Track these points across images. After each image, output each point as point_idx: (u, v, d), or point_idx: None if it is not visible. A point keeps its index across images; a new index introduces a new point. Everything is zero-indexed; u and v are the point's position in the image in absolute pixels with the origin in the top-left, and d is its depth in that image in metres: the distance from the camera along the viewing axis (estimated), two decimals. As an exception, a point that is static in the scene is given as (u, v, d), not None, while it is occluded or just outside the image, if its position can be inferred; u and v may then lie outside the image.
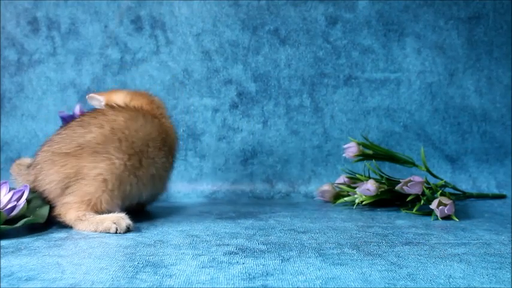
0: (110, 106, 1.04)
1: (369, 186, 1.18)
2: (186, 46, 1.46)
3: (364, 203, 1.19)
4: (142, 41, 1.46)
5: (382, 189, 1.19)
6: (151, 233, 0.92)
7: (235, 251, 0.79)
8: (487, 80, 1.47)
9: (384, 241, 0.86)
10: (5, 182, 0.93)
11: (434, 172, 1.27)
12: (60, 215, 0.95)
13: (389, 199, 1.20)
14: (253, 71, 1.46)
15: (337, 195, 1.26)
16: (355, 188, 1.22)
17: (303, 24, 1.46)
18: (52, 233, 0.92)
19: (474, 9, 1.47)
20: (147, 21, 1.46)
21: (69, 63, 1.46)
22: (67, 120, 1.43)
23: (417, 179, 1.15)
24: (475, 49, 1.47)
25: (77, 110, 1.44)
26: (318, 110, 1.46)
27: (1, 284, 0.63)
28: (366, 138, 1.30)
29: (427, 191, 1.14)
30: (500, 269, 0.70)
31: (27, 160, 1.08)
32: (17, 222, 0.88)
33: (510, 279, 0.66)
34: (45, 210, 0.95)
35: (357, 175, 1.26)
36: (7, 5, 1.46)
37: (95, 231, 0.92)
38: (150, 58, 1.46)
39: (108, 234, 0.91)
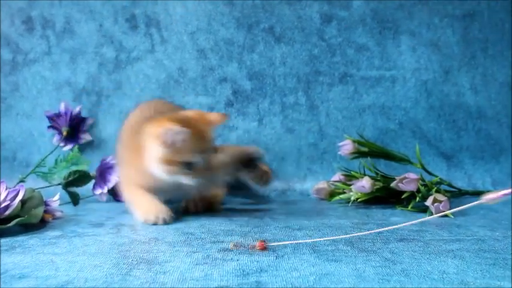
0: None
1: (364, 184, 1.18)
2: (181, 44, 1.46)
3: (359, 200, 1.19)
4: (137, 39, 1.46)
5: (378, 187, 1.19)
6: (146, 231, 0.92)
7: (229, 247, 0.79)
8: (482, 78, 1.47)
9: (378, 238, 0.86)
10: (2, 182, 0.93)
11: (429, 169, 1.27)
12: None
13: (385, 196, 1.20)
14: (248, 69, 1.46)
15: (333, 193, 1.26)
16: (350, 185, 1.22)
17: (297, 22, 1.46)
18: (47, 231, 0.92)
19: (469, 7, 1.47)
20: (142, 19, 1.45)
21: (64, 62, 1.46)
22: (53, 119, 1.43)
23: (412, 176, 1.15)
24: (470, 46, 1.47)
25: (62, 108, 1.44)
26: (313, 108, 1.46)
27: (-6, 282, 0.63)
28: (361, 136, 1.30)
29: (422, 188, 1.14)
30: (494, 264, 0.71)
31: None
32: (10, 222, 0.88)
33: (503, 275, 0.66)
34: (39, 211, 0.95)
35: (352, 172, 1.26)
36: (1, 4, 1.45)
37: None
38: (145, 57, 1.46)
39: (102, 232, 0.91)
